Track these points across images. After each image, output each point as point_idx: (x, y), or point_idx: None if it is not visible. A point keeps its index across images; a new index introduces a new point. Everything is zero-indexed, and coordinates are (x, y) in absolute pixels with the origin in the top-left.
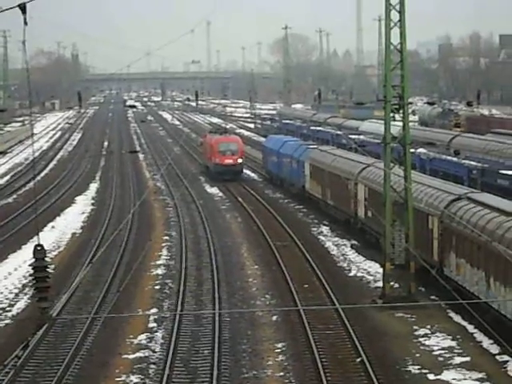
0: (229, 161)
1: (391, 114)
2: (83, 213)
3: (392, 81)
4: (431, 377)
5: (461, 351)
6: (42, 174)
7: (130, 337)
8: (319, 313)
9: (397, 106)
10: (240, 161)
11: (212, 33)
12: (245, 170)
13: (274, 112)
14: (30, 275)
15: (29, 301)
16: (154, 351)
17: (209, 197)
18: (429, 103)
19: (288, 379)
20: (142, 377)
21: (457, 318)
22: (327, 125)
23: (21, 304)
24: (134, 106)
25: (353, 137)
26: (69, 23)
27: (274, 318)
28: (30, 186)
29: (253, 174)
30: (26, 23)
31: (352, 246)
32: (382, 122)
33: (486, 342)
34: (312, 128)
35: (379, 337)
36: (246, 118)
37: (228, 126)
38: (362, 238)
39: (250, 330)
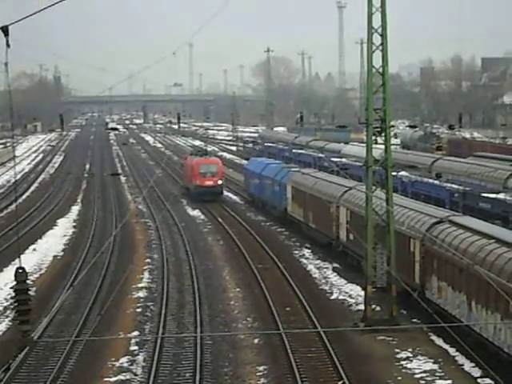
0: (209, 182)
1: (373, 137)
2: (65, 235)
3: (374, 104)
4: None
5: (442, 374)
6: (24, 197)
7: (112, 359)
8: (301, 336)
9: (379, 129)
10: (220, 182)
11: (194, 55)
12: (227, 193)
13: (256, 135)
14: (12, 298)
15: (10, 323)
16: (135, 374)
17: (191, 219)
18: (411, 126)
19: None
20: None
21: (438, 341)
22: (309, 148)
23: (2, 326)
24: (115, 129)
25: (335, 160)
26: (51, 45)
27: (256, 340)
28: (12, 209)
29: (235, 197)
30: (8, 45)
31: (334, 269)
32: (364, 144)
33: (468, 365)
34: (294, 151)
35: (361, 360)
36: (228, 140)
37: (210, 149)
38: (343, 261)
39: (232, 353)
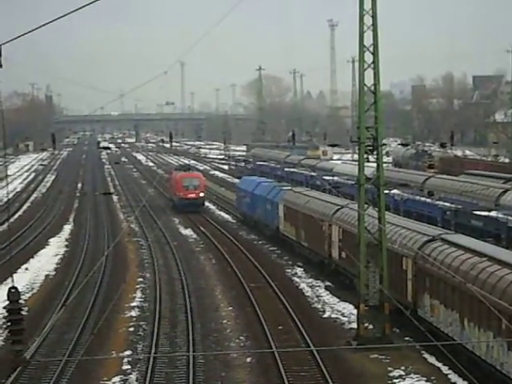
0: (192, 195)
1: (365, 156)
2: (57, 255)
3: (366, 122)
4: None
5: None
6: (16, 216)
7: (104, 379)
8: (294, 354)
9: (371, 147)
10: (202, 195)
11: (186, 74)
12: (219, 212)
13: (248, 153)
14: (4, 317)
15: (3, 343)
16: None
17: (183, 238)
18: (402, 144)
19: None
20: None
21: (431, 359)
22: (301, 166)
23: None
24: (107, 148)
25: (327, 178)
26: (42, 65)
27: (249, 359)
28: (4, 228)
29: (227, 216)
30: (0, 65)
31: (326, 288)
32: (356, 163)
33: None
34: (286, 169)
35: (354, 378)
36: (220, 159)
37: (202, 168)
38: (336, 280)
39: (224, 372)
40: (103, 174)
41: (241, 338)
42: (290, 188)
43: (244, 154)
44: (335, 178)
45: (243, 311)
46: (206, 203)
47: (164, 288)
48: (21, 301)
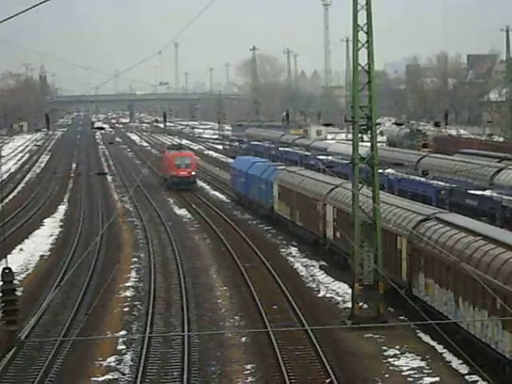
0: (183, 173)
1: (359, 135)
2: (51, 235)
3: (360, 101)
4: None
5: (430, 371)
6: (10, 197)
7: (99, 359)
8: (288, 334)
9: (365, 127)
10: (193, 173)
11: (180, 55)
12: (213, 192)
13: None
14: None
15: None
16: (123, 373)
17: (177, 218)
18: (397, 124)
19: None
20: None
21: (426, 339)
22: (295, 146)
23: None
24: (102, 128)
25: (321, 158)
26: (36, 45)
27: (243, 339)
28: None
29: (221, 196)
30: None
31: (321, 267)
32: (350, 142)
33: (456, 362)
34: (280, 149)
35: (349, 358)
36: (214, 139)
37: (196, 148)
38: (330, 259)
39: (219, 352)
40: (97, 154)
41: (235, 317)
42: (284, 168)
43: (230, 133)
44: (329, 158)
45: (238, 291)
46: (201, 183)
47: (159, 268)
48: (15, 281)
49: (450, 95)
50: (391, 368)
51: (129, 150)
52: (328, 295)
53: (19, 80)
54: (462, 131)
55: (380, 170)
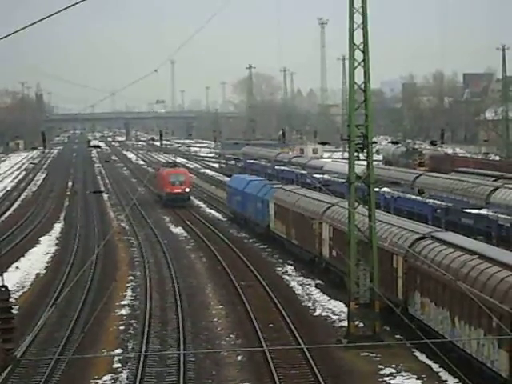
0: (178, 190)
1: (355, 154)
2: (47, 253)
3: (356, 120)
4: None
5: None
6: (6, 215)
7: (95, 377)
8: (284, 353)
9: (361, 146)
10: (187, 190)
11: (176, 73)
12: (209, 210)
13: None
14: None
15: None
16: None
17: (173, 237)
18: (393, 142)
19: None
20: None
21: (422, 357)
22: (292, 164)
23: None
24: (98, 146)
25: (317, 176)
26: (33, 63)
27: (239, 358)
28: None
29: (217, 214)
30: None
31: (317, 286)
32: (347, 161)
33: (451, 381)
34: (277, 167)
35: (345, 376)
36: (210, 157)
37: (192, 166)
38: (326, 278)
39: (215, 371)
40: (93, 172)
41: (231, 336)
42: (280, 186)
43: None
44: (325, 176)
45: (234, 309)
46: (197, 202)
47: (155, 286)
48: (11, 299)
49: (446, 114)
50: None
51: (125, 168)
52: (324, 314)
53: (15, 98)
54: (458, 150)
55: (376, 189)
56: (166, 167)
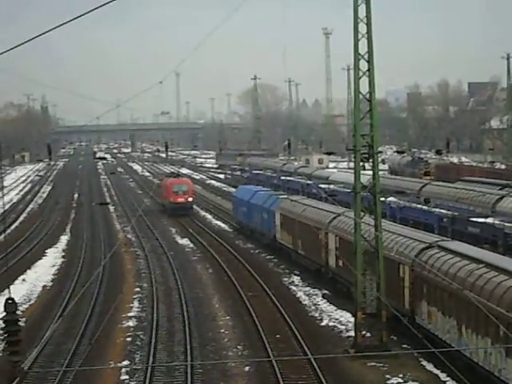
0: (181, 199)
1: (361, 163)
2: (54, 265)
3: (361, 130)
4: None
5: None
6: (13, 227)
7: None
8: (291, 363)
9: (366, 155)
10: (190, 199)
11: (181, 84)
12: (215, 221)
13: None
14: (1, 329)
15: (0, 354)
16: None
17: (179, 248)
18: (398, 152)
19: None
20: None
21: (429, 367)
22: (297, 174)
23: None
24: (104, 158)
25: (323, 186)
26: (38, 75)
27: (247, 368)
28: (0, 239)
29: (223, 225)
30: None
31: (323, 296)
32: (352, 171)
33: None
34: (282, 178)
35: None
36: (216, 168)
37: (198, 177)
38: (333, 288)
39: (223, 381)
40: (99, 184)
41: (238, 346)
42: (286, 197)
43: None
44: (331, 186)
45: (240, 320)
46: (203, 213)
47: (161, 298)
48: (18, 312)
49: (452, 123)
50: None
51: (131, 179)
52: (331, 324)
53: (21, 110)
54: (463, 159)
55: (382, 199)
56: (169, 177)
